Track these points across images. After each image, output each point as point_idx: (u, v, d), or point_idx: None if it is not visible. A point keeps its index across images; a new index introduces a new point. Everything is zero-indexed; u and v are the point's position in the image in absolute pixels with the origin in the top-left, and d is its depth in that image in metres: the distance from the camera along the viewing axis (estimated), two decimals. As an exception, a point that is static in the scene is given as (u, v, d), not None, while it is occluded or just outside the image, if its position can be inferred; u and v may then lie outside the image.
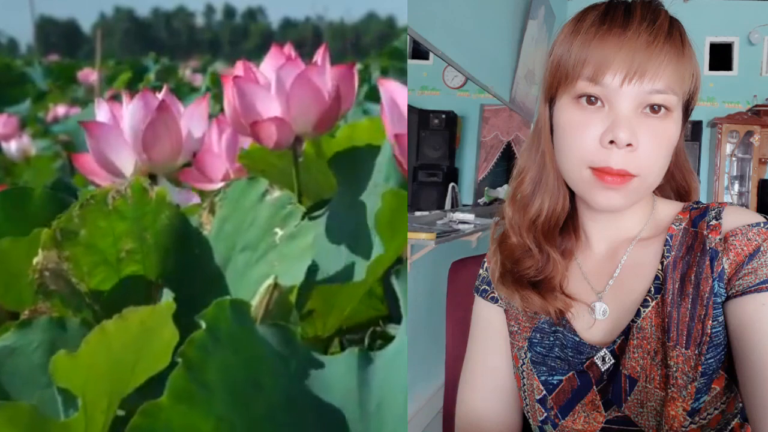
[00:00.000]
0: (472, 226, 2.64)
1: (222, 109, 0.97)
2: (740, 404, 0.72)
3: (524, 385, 0.79)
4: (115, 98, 1.01)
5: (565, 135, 0.72)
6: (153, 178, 0.97)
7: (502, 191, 3.58)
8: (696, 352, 0.69)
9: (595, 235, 0.79)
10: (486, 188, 3.74)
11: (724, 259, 0.70)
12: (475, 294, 0.87)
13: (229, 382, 0.57)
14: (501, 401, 0.83)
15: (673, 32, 0.70)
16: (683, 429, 0.69)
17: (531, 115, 4.26)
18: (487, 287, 0.85)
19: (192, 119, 0.98)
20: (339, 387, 0.61)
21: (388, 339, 0.81)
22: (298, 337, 0.63)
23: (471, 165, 3.75)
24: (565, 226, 0.79)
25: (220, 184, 1.02)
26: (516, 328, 0.81)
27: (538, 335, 0.79)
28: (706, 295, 0.69)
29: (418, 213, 2.65)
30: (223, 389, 0.56)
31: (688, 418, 0.69)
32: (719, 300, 0.69)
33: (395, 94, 0.82)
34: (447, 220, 2.68)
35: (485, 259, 0.87)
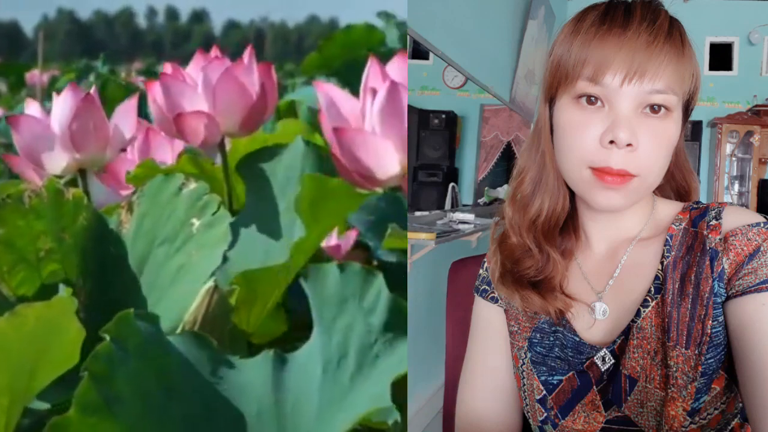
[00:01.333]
0: (472, 226, 2.64)
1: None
2: (740, 404, 0.72)
3: (524, 385, 0.79)
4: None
5: (565, 135, 0.72)
6: (83, 174, 0.97)
7: (502, 191, 3.58)
8: (696, 352, 0.69)
9: (595, 235, 0.79)
10: (486, 188, 3.74)
11: (724, 259, 0.70)
12: (475, 294, 0.87)
13: (141, 392, 0.57)
14: (501, 401, 0.83)
15: (673, 32, 0.70)
16: (683, 429, 0.69)
17: (531, 115, 4.26)
18: (487, 287, 0.85)
19: (121, 115, 0.99)
20: (254, 390, 0.62)
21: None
22: (214, 343, 0.63)
23: (471, 165, 3.74)
24: (565, 226, 0.79)
25: (132, 189, 1.02)
26: (516, 328, 0.81)
27: (538, 335, 0.79)
28: (706, 295, 0.69)
29: (418, 213, 2.65)
30: (135, 399, 0.56)
31: (688, 418, 0.69)
32: (719, 300, 0.69)
33: (333, 94, 0.77)
34: (447, 220, 2.68)
35: (485, 259, 0.87)
